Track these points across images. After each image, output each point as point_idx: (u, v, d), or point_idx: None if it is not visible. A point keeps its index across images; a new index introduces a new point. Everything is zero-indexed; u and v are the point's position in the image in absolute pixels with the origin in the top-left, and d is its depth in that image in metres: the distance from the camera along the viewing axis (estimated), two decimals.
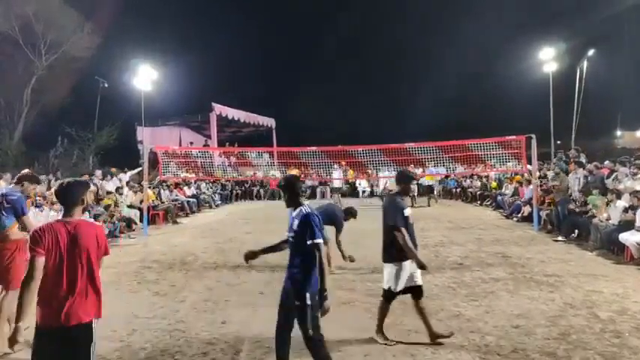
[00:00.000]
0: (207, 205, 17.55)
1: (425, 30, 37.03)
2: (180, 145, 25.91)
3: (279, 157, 18.24)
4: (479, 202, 16.84)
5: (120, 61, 23.11)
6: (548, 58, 19.57)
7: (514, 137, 11.84)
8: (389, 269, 4.35)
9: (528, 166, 12.68)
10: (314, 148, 13.24)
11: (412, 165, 14.73)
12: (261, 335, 4.64)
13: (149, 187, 13.21)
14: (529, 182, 12.67)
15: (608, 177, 10.69)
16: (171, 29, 32.92)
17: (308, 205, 3.50)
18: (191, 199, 16.06)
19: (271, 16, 40.10)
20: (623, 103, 32.28)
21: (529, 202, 12.13)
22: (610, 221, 8.64)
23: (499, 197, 14.63)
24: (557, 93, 20.19)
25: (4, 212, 4.55)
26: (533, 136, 11.44)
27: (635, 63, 26.68)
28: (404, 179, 4.53)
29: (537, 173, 12.04)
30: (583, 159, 14.00)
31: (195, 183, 17.73)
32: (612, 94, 30.37)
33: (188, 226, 13.23)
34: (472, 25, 32.22)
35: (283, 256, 3.59)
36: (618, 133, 37.76)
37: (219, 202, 18.87)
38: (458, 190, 19.28)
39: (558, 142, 22.53)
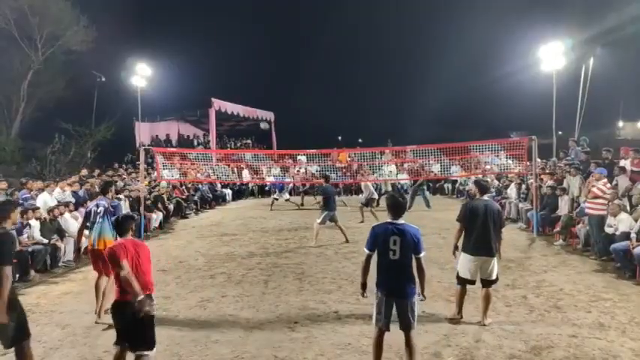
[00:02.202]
0: (206, 205, 17.34)
1: (428, 26, 36.65)
2: (178, 138, 25.81)
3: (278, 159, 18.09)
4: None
5: (118, 56, 22.83)
6: (551, 52, 19.17)
7: (517, 139, 11.69)
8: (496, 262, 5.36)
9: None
10: (313, 151, 13.09)
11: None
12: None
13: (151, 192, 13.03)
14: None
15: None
16: (170, 24, 32.60)
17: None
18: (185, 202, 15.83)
19: (272, 12, 39.69)
20: (625, 94, 32.07)
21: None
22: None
23: (503, 200, 14.39)
24: (560, 85, 19.85)
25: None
26: (535, 137, 11.30)
27: (638, 54, 26.32)
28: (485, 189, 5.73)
29: (540, 177, 11.88)
30: (582, 155, 13.34)
31: (192, 185, 17.46)
32: (614, 86, 30.11)
33: (182, 228, 13.16)
34: (475, 18, 31.90)
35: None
36: (620, 124, 37.55)
37: (223, 200, 18.69)
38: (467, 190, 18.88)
39: (559, 132, 22.24)
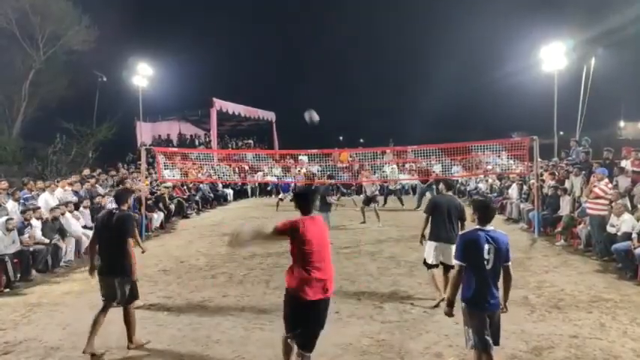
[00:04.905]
0: (208, 205, 17.29)
1: (429, 26, 36.64)
2: (180, 137, 25.83)
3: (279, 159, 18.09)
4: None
5: (119, 56, 22.89)
6: (553, 52, 19.14)
7: (518, 139, 11.68)
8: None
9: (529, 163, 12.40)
10: (315, 151, 13.10)
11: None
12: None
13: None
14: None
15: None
16: (171, 23, 32.66)
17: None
18: (187, 202, 15.82)
19: (272, 12, 39.73)
20: (626, 94, 32.02)
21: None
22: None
23: (504, 200, 14.36)
24: (561, 85, 19.82)
25: None
26: (536, 137, 11.27)
27: (639, 54, 26.27)
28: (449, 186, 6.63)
29: (542, 177, 11.86)
30: (582, 153, 13.27)
31: (193, 184, 17.43)
32: (615, 86, 30.06)
33: (183, 228, 13.17)
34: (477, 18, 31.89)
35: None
36: (621, 124, 37.50)
37: (223, 200, 18.66)
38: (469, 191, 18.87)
39: (561, 132, 22.19)
